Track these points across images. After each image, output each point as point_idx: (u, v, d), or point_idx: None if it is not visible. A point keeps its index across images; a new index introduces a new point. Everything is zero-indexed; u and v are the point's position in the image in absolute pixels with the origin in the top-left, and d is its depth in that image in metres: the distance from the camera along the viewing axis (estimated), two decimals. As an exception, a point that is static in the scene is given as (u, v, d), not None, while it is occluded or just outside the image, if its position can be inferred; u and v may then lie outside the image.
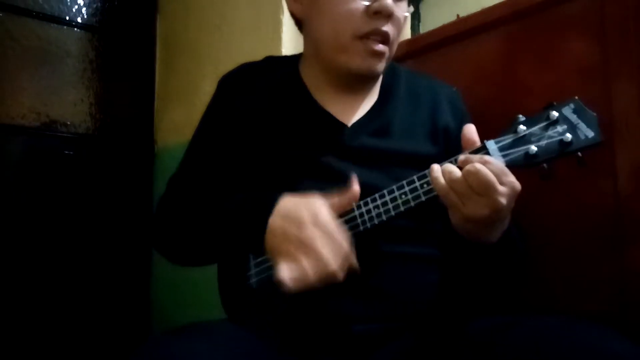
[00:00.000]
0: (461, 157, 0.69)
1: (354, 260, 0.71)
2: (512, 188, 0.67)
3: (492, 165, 0.66)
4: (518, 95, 1.02)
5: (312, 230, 0.69)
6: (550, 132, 0.68)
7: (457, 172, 0.67)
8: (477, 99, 1.00)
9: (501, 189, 0.66)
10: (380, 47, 0.82)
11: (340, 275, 0.69)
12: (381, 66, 0.85)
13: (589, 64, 0.92)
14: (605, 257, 0.88)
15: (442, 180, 0.68)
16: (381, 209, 0.74)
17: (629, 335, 0.60)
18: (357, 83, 0.89)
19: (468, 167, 0.66)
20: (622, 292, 0.85)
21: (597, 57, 0.90)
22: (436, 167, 0.70)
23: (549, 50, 0.98)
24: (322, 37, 0.86)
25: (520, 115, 0.71)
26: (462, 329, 0.75)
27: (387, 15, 0.80)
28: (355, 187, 0.74)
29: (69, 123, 1.92)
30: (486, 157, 0.67)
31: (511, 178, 0.67)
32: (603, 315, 0.84)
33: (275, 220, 0.73)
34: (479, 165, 0.66)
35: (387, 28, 0.81)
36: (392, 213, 0.73)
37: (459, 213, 0.69)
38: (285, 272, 0.67)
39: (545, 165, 0.69)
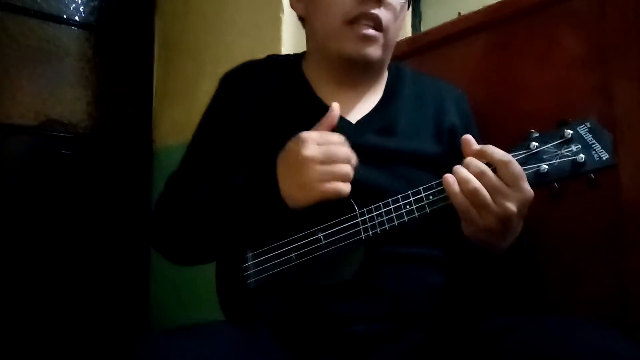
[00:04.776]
0: (471, 151, 0.69)
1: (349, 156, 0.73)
2: (525, 196, 0.67)
3: (514, 165, 0.66)
4: (519, 94, 1.02)
5: (312, 167, 0.70)
6: (563, 151, 0.67)
7: (474, 182, 0.67)
8: (478, 98, 0.99)
9: (515, 194, 0.66)
10: (371, 31, 0.81)
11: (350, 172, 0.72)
12: (374, 51, 0.83)
13: (590, 63, 0.91)
14: (607, 258, 0.87)
15: (459, 192, 0.68)
16: (384, 217, 0.73)
17: (631, 336, 0.60)
18: (357, 74, 0.88)
19: (497, 160, 0.67)
20: (624, 293, 0.84)
21: (598, 56, 0.90)
22: (452, 180, 0.68)
23: (550, 48, 0.98)
24: (317, 28, 0.86)
25: (533, 131, 0.69)
26: (464, 330, 0.74)
27: None
28: (335, 110, 0.75)
29: (66, 122, 1.91)
30: (508, 156, 0.67)
31: (527, 185, 0.67)
32: (605, 316, 0.85)
33: (280, 168, 0.75)
34: (509, 157, 0.66)
35: (378, 12, 0.81)
36: (395, 223, 0.72)
37: (475, 226, 0.68)
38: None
39: (556, 184, 0.67)
